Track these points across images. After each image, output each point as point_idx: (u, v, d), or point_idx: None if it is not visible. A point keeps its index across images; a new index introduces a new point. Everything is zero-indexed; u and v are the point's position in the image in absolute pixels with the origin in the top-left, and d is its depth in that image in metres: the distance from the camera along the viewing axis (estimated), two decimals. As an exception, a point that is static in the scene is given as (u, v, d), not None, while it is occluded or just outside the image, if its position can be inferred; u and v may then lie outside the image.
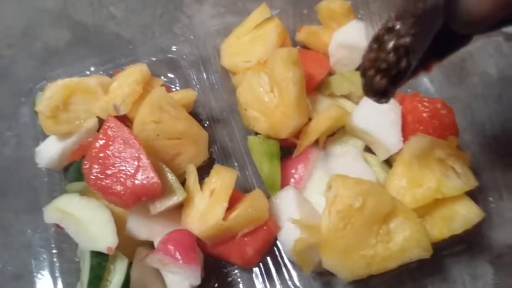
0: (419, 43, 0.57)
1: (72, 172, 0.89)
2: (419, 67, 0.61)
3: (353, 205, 0.74)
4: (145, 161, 0.80)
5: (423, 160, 0.81)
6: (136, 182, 0.79)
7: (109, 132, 0.83)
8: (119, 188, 0.79)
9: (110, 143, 0.82)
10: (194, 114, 0.96)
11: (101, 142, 0.82)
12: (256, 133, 0.94)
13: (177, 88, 1.08)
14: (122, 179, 0.79)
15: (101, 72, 1.05)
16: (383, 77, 0.59)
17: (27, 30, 1.22)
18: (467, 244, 0.84)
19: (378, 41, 0.59)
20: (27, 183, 0.99)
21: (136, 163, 0.80)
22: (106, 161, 0.81)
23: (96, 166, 0.81)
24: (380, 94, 0.62)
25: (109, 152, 0.82)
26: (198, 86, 1.04)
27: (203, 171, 0.89)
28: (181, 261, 0.78)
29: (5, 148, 1.05)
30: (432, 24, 0.57)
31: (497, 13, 0.53)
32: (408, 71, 0.58)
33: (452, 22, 0.57)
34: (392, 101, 0.88)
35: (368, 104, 0.89)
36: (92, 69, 1.06)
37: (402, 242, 0.74)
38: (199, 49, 1.09)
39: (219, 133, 0.99)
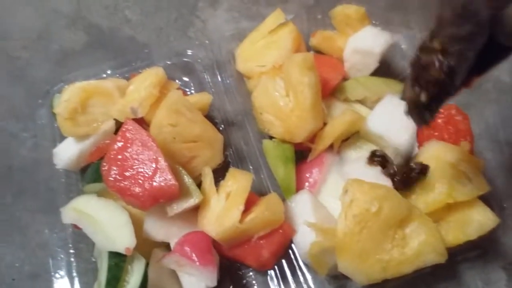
0: (464, 62, 0.57)
1: (90, 173, 0.90)
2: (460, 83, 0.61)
3: (369, 210, 0.75)
4: (162, 163, 0.81)
5: (436, 166, 0.82)
6: (154, 184, 0.80)
7: (128, 135, 0.84)
8: (137, 190, 0.80)
9: (129, 145, 0.83)
10: (209, 117, 0.96)
11: (120, 144, 0.84)
12: (271, 137, 0.95)
13: (192, 91, 1.09)
14: (140, 181, 0.81)
15: (117, 75, 1.06)
16: (427, 95, 0.60)
17: (43, 33, 1.23)
18: (481, 250, 0.85)
19: (422, 60, 0.59)
20: (44, 184, 1.00)
21: (154, 165, 0.81)
22: (125, 163, 0.82)
23: (114, 168, 0.82)
24: (423, 112, 0.63)
25: (127, 154, 0.83)
26: (213, 90, 1.05)
27: (218, 174, 0.90)
28: (197, 263, 0.79)
29: (22, 149, 1.06)
30: (477, 42, 0.56)
31: None
32: (452, 90, 0.59)
33: (498, 35, 0.56)
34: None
35: (382, 109, 0.90)
36: (109, 72, 1.07)
37: (418, 247, 0.75)
38: (214, 53, 1.10)
39: (234, 137, 1.00)
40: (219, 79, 1.07)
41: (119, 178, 0.81)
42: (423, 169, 0.82)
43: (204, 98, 1.00)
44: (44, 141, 1.02)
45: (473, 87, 0.64)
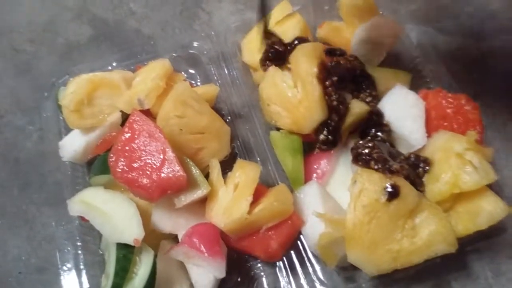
0: None
1: (97, 165, 0.90)
2: None
3: (379, 200, 0.75)
4: (170, 154, 0.81)
5: (443, 155, 0.82)
6: (162, 175, 0.80)
7: (135, 126, 0.84)
8: (145, 181, 0.80)
9: (136, 136, 0.83)
10: (215, 109, 0.96)
11: (127, 135, 0.83)
12: (278, 129, 0.94)
13: (198, 83, 1.09)
14: (148, 172, 0.80)
15: (122, 68, 1.06)
16: None
17: (48, 26, 1.23)
18: (490, 240, 0.84)
19: None
20: (50, 176, 1.00)
21: (161, 156, 0.81)
22: (132, 155, 0.82)
23: (122, 159, 0.81)
24: None
25: (134, 146, 0.82)
26: (219, 82, 1.04)
27: (225, 166, 0.90)
28: (206, 254, 0.79)
29: (27, 142, 1.06)
30: None
31: None
32: None
33: None
34: (416, 97, 0.88)
35: (391, 100, 0.89)
36: (114, 64, 1.07)
37: (428, 236, 0.74)
38: (219, 45, 1.09)
39: (241, 128, 0.99)
40: (225, 71, 1.06)
41: (127, 169, 0.81)
42: (426, 164, 0.82)
43: (210, 90, 0.99)
44: (49, 134, 1.02)
45: None
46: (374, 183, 0.76)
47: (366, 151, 0.82)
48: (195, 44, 1.10)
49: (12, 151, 1.05)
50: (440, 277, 0.85)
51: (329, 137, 0.87)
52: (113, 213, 0.81)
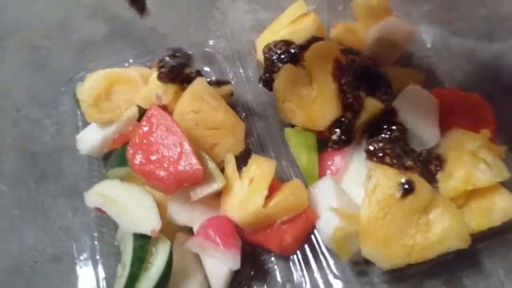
0: None
1: (114, 158, 0.91)
2: None
3: (393, 195, 0.76)
4: (187, 147, 0.82)
5: (456, 153, 0.83)
6: (179, 168, 0.81)
7: (153, 120, 0.85)
8: (162, 173, 0.81)
9: (154, 130, 0.84)
10: (230, 106, 0.97)
11: (145, 129, 0.85)
12: (292, 126, 0.95)
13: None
14: (165, 165, 0.81)
15: (138, 64, 1.07)
16: None
17: (64, 23, 1.25)
18: (503, 237, 0.85)
19: None
20: (66, 169, 1.02)
21: (178, 149, 0.82)
22: (150, 148, 0.83)
23: (140, 152, 0.83)
24: None
25: (152, 139, 0.84)
26: (234, 80, 1.06)
27: (240, 162, 0.91)
28: (221, 246, 0.80)
29: (44, 136, 1.08)
30: None
31: None
32: None
33: None
34: (429, 95, 0.89)
35: (405, 98, 0.90)
36: (131, 61, 1.09)
37: (441, 232, 0.75)
38: (234, 43, 1.11)
39: (256, 125, 1.00)
40: (240, 69, 1.08)
41: (144, 162, 0.82)
42: (440, 161, 0.84)
43: (226, 87, 1.01)
44: (66, 128, 1.04)
45: None
46: (389, 179, 0.77)
47: (381, 147, 0.83)
48: (211, 42, 1.12)
49: (28, 144, 1.07)
50: (452, 273, 0.86)
51: (342, 137, 0.89)
52: (130, 205, 0.83)
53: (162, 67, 0.94)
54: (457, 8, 1.16)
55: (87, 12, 1.27)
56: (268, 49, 0.99)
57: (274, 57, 0.97)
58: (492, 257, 0.87)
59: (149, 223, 0.79)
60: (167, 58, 0.96)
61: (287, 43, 0.98)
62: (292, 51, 0.96)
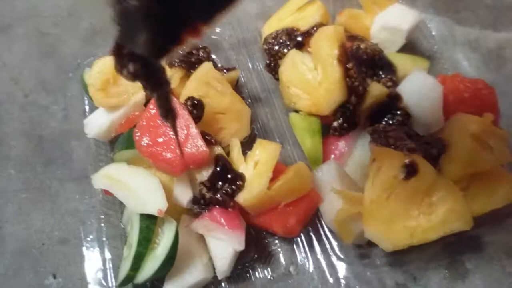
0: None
1: (121, 141, 0.92)
2: (183, 34, 0.47)
3: (397, 177, 0.77)
4: (194, 130, 0.84)
5: (459, 136, 0.83)
6: (186, 150, 0.82)
7: (159, 102, 0.86)
8: (169, 155, 0.82)
9: (160, 112, 0.85)
10: (236, 92, 0.98)
11: (152, 112, 0.86)
12: (297, 111, 0.96)
13: (219, 68, 1.11)
14: (172, 147, 0.83)
15: (146, 51, 1.08)
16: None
17: (72, 10, 1.26)
18: (505, 222, 0.86)
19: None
20: (73, 153, 1.03)
21: (185, 132, 0.84)
22: (157, 130, 0.84)
23: (147, 134, 0.84)
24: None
25: (159, 121, 0.85)
26: (240, 67, 1.07)
27: (245, 147, 0.92)
28: (226, 227, 0.81)
29: (52, 120, 1.09)
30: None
31: None
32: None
33: None
34: (434, 81, 0.90)
35: (409, 84, 0.91)
36: (138, 47, 1.09)
37: (444, 214, 0.76)
38: (240, 31, 1.12)
39: (261, 111, 1.02)
40: (246, 56, 1.08)
41: (151, 143, 0.84)
42: (443, 144, 0.84)
43: (232, 73, 1.02)
44: (73, 114, 1.05)
45: (202, 35, 0.49)
46: (392, 161, 0.78)
47: (385, 131, 0.84)
48: (217, 30, 1.12)
49: (36, 129, 1.08)
50: (454, 257, 0.86)
51: (344, 124, 0.90)
52: (136, 186, 0.84)
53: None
54: (462, -3, 1.17)
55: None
56: (268, 43, 1.01)
57: (276, 48, 0.99)
58: (494, 241, 0.88)
59: (156, 204, 0.80)
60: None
61: (288, 33, 0.99)
62: (297, 38, 0.96)
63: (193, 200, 0.85)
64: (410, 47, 1.04)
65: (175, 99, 0.86)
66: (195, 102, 0.88)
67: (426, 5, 1.13)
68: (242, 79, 1.06)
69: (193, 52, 0.98)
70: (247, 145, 0.94)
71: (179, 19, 0.45)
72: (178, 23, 0.46)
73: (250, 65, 1.07)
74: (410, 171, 0.76)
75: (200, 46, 1.00)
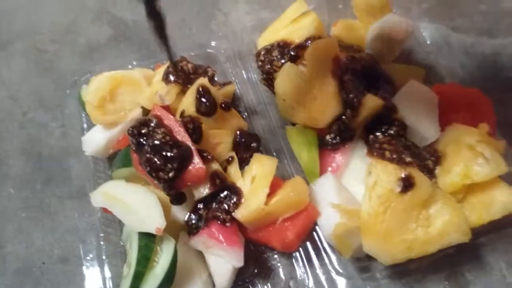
0: None
1: (119, 159, 0.93)
2: None
3: (393, 190, 0.77)
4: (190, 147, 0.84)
5: (455, 148, 0.83)
6: (183, 167, 0.82)
7: (156, 120, 0.86)
8: (166, 173, 0.82)
9: (157, 130, 0.86)
10: (232, 106, 0.98)
11: (148, 129, 0.86)
12: (293, 124, 0.96)
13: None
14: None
15: (142, 67, 1.08)
16: None
17: (69, 27, 1.27)
18: (504, 232, 0.85)
19: None
20: (72, 171, 1.03)
21: (181, 149, 0.84)
22: (153, 148, 0.84)
23: (143, 152, 0.84)
24: None
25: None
26: (236, 80, 1.07)
27: (242, 161, 0.92)
28: (224, 243, 0.81)
29: (50, 138, 1.10)
30: None
31: None
32: None
33: None
34: (429, 91, 0.90)
35: (405, 94, 0.91)
36: (134, 63, 1.10)
37: (442, 226, 0.76)
38: (236, 44, 1.12)
39: (257, 124, 1.01)
40: (242, 69, 1.09)
41: (148, 162, 0.84)
42: (438, 156, 0.84)
43: (228, 87, 1.02)
44: (71, 130, 1.05)
45: None
46: (388, 174, 0.78)
47: (381, 143, 0.84)
48: (213, 43, 1.13)
49: (35, 146, 1.09)
50: (454, 268, 0.86)
51: (337, 138, 0.91)
52: (135, 204, 0.84)
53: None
54: (457, 4, 1.16)
55: (91, 16, 1.28)
56: (260, 60, 1.01)
57: (267, 66, 0.99)
58: (494, 251, 0.88)
59: (154, 222, 0.80)
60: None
61: (281, 47, 0.99)
62: (290, 52, 0.96)
63: (191, 217, 0.86)
64: (405, 56, 1.04)
65: (174, 117, 0.87)
66: (194, 125, 0.87)
67: (421, 14, 1.13)
68: (238, 91, 1.06)
69: (199, 72, 0.98)
70: (244, 158, 0.93)
71: None
72: None
73: (245, 77, 1.07)
74: (407, 184, 0.76)
75: (205, 67, 1.00)
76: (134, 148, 0.84)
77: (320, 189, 0.87)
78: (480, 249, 0.87)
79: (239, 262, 0.81)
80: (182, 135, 0.85)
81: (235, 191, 0.85)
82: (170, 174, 0.79)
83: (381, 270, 0.85)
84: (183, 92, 0.96)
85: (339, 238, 0.81)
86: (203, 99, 0.89)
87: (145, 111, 0.97)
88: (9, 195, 1.03)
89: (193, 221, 0.85)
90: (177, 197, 0.83)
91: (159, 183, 0.80)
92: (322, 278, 0.86)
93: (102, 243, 0.91)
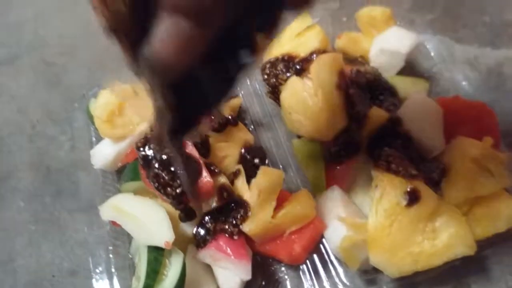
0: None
1: (127, 172, 0.94)
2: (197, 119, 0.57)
3: (400, 203, 0.77)
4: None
5: (459, 161, 0.84)
6: (191, 181, 0.83)
7: (163, 135, 0.87)
8: (174, 187, 0.84)
9: (164, 144, 0.87)
10: (238, 119, 0.99)
11: (156, 144, 0.87)
12: (300, 137, 0.97)
13: (221, 95, 1.12)
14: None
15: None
16: None
17: (78, 40, 1.29)
18: (510, 243, 0.86)
19: None
20: (81, 184, 1.05)
21: (189, 163, 0.85)
22: (161, 162, 0.86)
23: (152, 167, 0.85)
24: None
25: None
26: (242, 93, 1.08)
27: (249, 174, 0.93)
28: (232, 257, 0.82)
29: (59, 151, 1.11)
30: None
31: None
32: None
33: None
34: (433, 104, 0.91)
35: (409, 107, 0.92)
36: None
37: (448, 239, 0.76)
38: (242, 56, 1.13)
39: (264, 137, 1.03)
40: (247, 81, 1.10)
41: (157, 176, 0.85)
42: (443, 169, 0.85)
43: (234, 100, 1.03)
44: (80, 144, 1.07)
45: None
46: (395, 187, 0.79)
47: (387, 156, 0.84)
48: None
49: (44, 160, 1.10)
50: (460, 280, 0.86)
51: (341, 151, 0.91)
52: (143, 218, 0.85)
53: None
54: (460, 16, 1.17)
55: (100, 29, 1.30)
56: (265, 73, 1.01)
57: (273, 80, 1.00)
58: (500, 263, 0.88)
59: (163, 236, 0.81)
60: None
61: (286, 61, 1.00)
62: (296, 66, 0.97)
63: (199, 230, 0.87)
64: (409, 69, 1.05)
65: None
66: (202, 139, 0.89)
67: (424, 26, 1.14)
68: (244, 104, 1.07)
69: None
70: (251, 171, 0.94)
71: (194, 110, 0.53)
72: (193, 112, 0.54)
73: (252, 90, 1.08)
74: (413, 198, 0.77)
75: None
76: (141, 163, 0.86)
77: (326, 202, 0.88)
78: (486, 261, 0.88)
79: (247, 275, 0.82)
80: (190, 149, 0.86)
81: (242, 204, 0.86)
82: (178, 190, 0.80)
83: (388, 282, 0.85)
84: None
85: (346, 251, 0.82)
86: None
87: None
88: (18, 208, 1.04)
89: (201, 234, 0.86)
90: (187, 214, 0.84)
91: (167, 198, 0.81)
92: (329, 290, 0.87)
93: (111, 256, 0.92)
